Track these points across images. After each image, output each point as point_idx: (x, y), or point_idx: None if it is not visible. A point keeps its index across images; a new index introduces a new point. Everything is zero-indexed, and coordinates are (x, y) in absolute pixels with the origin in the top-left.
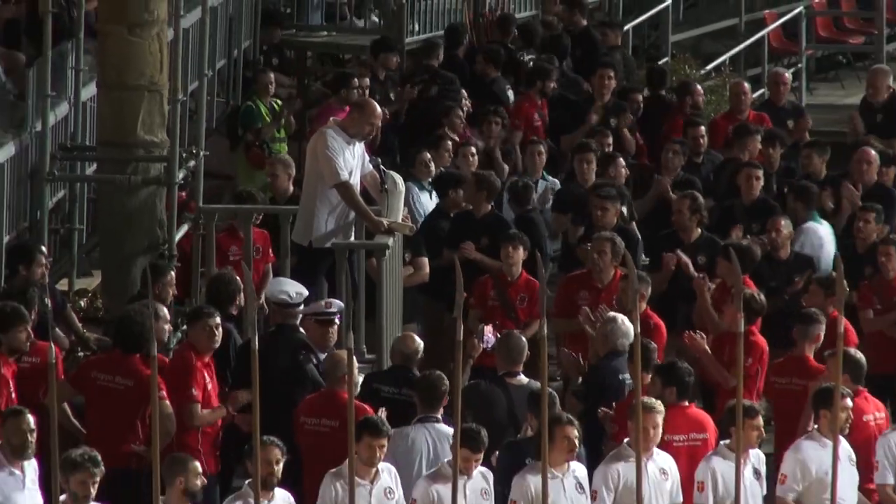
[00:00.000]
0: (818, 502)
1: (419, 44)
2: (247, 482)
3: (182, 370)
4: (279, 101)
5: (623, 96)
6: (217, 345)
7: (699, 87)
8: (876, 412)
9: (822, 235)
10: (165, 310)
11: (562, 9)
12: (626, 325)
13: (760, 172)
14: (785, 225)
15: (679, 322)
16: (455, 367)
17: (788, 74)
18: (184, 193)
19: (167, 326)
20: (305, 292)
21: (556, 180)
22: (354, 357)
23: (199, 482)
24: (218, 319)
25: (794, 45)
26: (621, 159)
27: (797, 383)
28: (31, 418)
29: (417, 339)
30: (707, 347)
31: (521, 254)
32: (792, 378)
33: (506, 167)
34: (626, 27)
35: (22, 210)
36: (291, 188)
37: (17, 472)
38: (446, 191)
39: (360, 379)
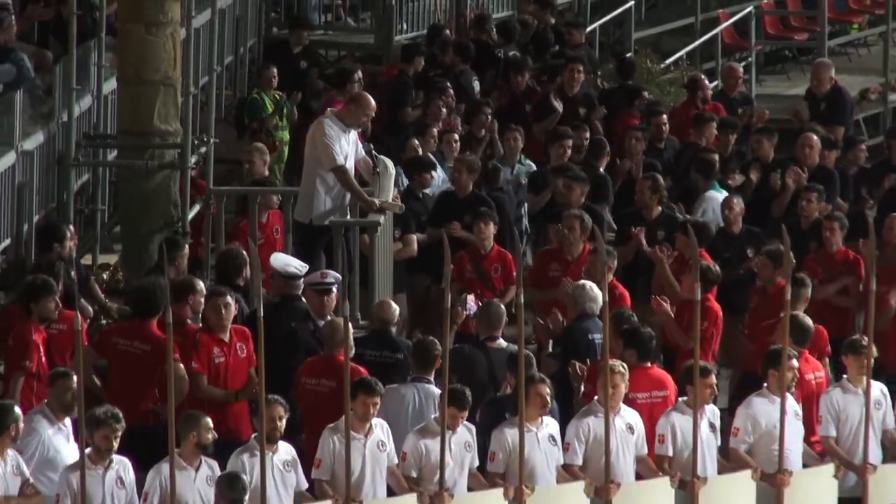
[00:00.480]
0: (767, 453)
1: (407, 41)
2: (253, 436)
3: (188, 344)
4: (280, 94)
5: (629, 93)
6: (228, 322)
7: (706, 81)
8: (815, 372)
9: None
10: (202, 283)
11: (534, 8)
12: (595, 291)
13: (715, 156)
14: (737, 203)
15: (640, 291)
16: (443, 332)
17: (741, 68)
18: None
19: (202, 299)
20: (306, 266)
21: (532, 163)
22: (350, 323)
23: (210, 436)
24: (229, 299)
25: (745, 41)
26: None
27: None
28: (75, 378)
29: (394, 305)
30: (671, 312)
31: (491, 229)
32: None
33: (501, 150)
34: (592, 26)
35: (50, 193)
36: (266, 172)
37: (63, 427)
38: (413, 174)
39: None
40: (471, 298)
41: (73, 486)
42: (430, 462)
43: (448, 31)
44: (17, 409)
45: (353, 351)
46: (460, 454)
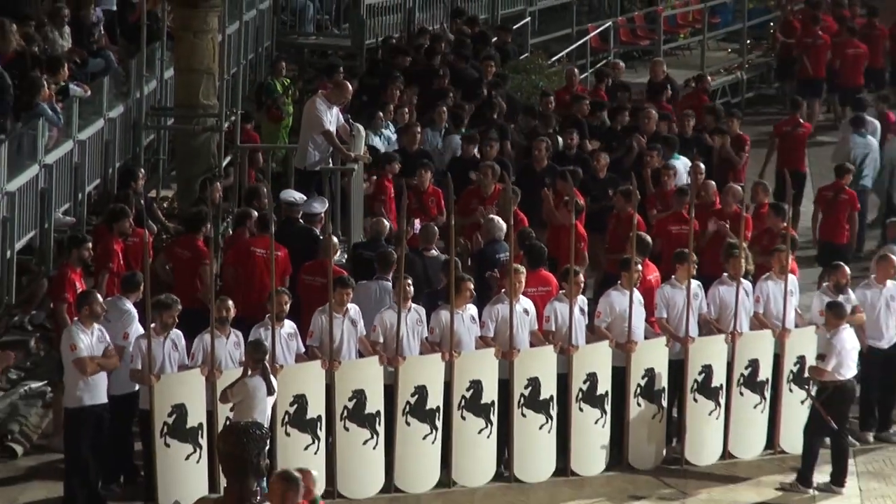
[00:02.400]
0: (620, 330)
1: (374, 45)
2: (267, 316)
3: (240, 255)
4: (289, 80)
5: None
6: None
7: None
8: (653, 273)
9: None
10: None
11: (460, 24)
12: (501, 223)
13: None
14: (603, 157)
15: (533, 218)
16: (399, 244)
17: (622, 64)
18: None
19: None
20: (304, 197)
21: None
22: (335, 238)
23: (224, 313)
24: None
25: (606, 46)
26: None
27: (684, 228)
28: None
29: (386, 221)
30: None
31: (429, 175)
32: (680, 226)
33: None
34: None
35: (128, 147)
36: None
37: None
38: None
39: (339, 251)
40: (417, 222)
41: (143, 349)
42: (391, 332)
43: (393, 41)
44: (96, 293)
45: (345, 254)
46: (412, 327)
